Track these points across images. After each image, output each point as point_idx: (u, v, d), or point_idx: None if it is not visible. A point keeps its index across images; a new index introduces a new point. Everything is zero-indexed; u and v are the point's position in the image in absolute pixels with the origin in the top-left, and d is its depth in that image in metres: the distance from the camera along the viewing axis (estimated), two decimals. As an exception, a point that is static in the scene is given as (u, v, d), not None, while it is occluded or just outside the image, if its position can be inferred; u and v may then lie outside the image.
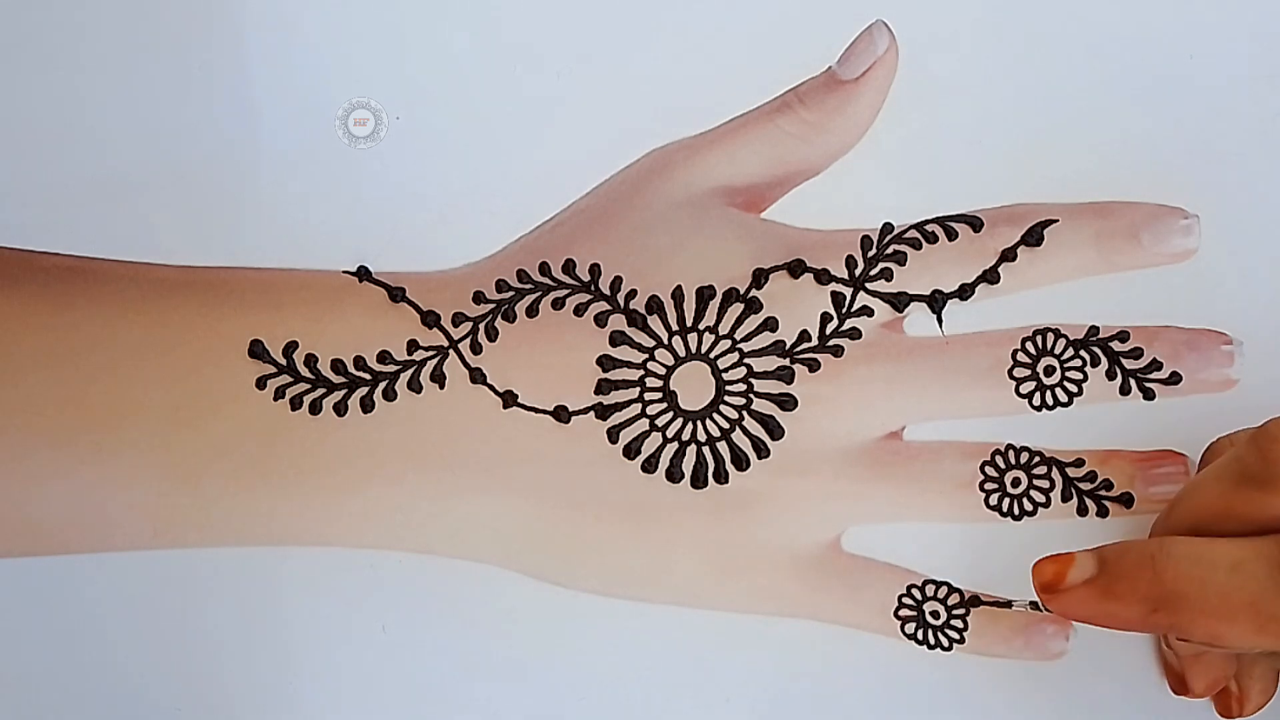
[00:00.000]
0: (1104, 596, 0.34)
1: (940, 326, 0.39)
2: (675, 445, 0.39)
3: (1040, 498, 0.39)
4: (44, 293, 0.38)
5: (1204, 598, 0.32)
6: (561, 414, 0.38)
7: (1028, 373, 0.39)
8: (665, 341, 0.39)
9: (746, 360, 0.39)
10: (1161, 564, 0.33)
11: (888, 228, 0.39)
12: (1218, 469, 0.34)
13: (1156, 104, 0.39)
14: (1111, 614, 0.34)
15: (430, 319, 0.39)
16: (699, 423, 0.39)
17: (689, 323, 0.39)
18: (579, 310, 0.39)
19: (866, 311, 0.39)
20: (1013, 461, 0.39)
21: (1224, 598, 0.32)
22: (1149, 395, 0.39)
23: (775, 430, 0.38)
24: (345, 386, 0.38)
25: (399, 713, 0.39)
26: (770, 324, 0.39)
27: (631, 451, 0.38)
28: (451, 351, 0.39)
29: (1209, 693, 0.38)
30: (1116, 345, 0.39)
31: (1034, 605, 0.37)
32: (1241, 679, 0.38)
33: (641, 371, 0.39)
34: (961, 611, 0.39)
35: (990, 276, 0.39)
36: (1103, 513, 0.39)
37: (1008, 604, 0.38)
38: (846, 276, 0.39)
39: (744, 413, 0.39)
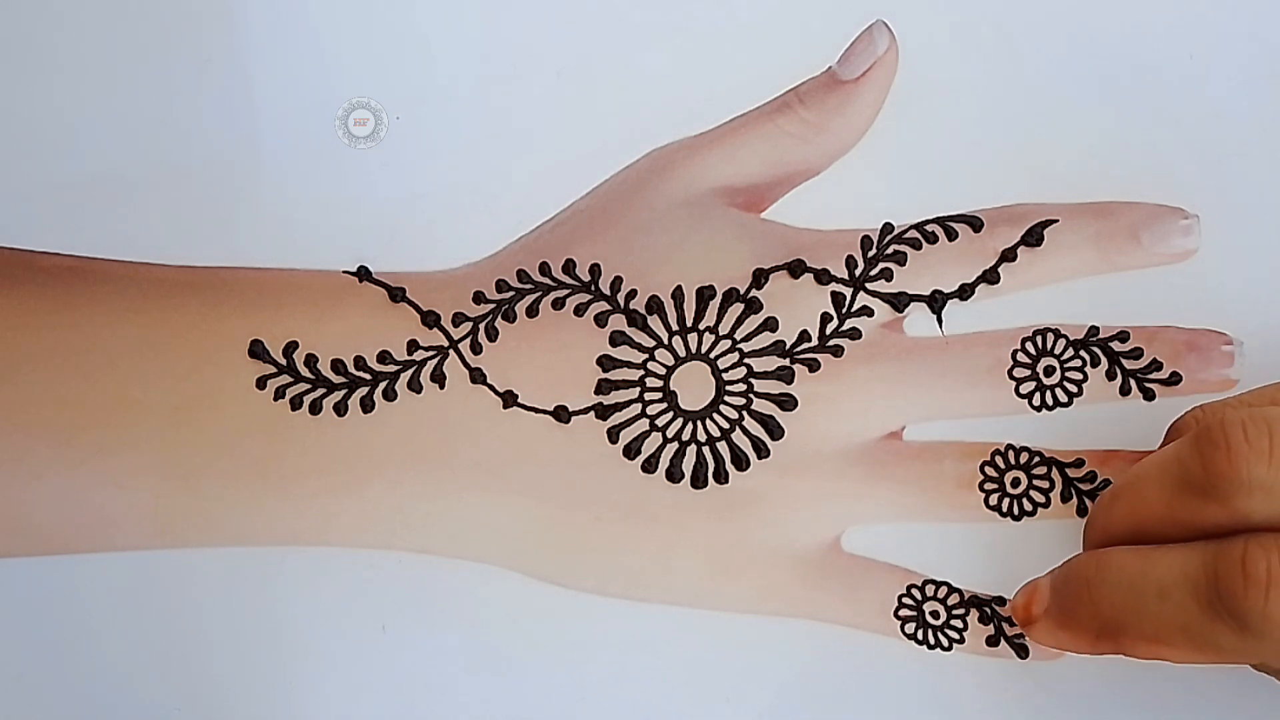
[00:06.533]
0: (1059, 627, 0.34)
1: (940, 326, 0.39)
2: (675, 445, 0.39)
3: (1040, 498, 0.39)
4: (44, 293, 0.38)
5: (1140, 625, 0.32)
6: (561, 414, 0.38)
7: (1028, 373, 0.39)
8: (665, 341, 0.39)
9: (746, 360, 0.39)
10: (1097, 591, 0.33)
11: (888, 228, 0.39)
12: (1160, 467, 0.33)
13: (1156, 104, 0.39)
14: (1071, 644, 0.34)
15: (430, 319, 0.39)
16: (699, 423, 0.39)
17: (689, 323, 0.39)
18: (579, 310, 0.39)
19: (866, 311, 0.39)
20: (1013, 461, 0.39)
21: (1157, 625, 0.32)
22: (1149, 395, 0.39)
23: (775, 430, 0.38)
24: (345, 386, 0.38)
25: (398, 712, 0.39)
26: (770, 324, 0.39)
27: (631, 451, 0.38)
28: (451, 351, 0.39)
29: None
30: (1116, 345, 0.39)
31: None
32: None
33: (641, 371, 0.39)
34: (961, 611, 0.39)
35: (990, 276, 0.39)
36: (1103, 513, 0.39)
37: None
38: (846, 276, 0.39)
39: (744, 413, 0.39)
